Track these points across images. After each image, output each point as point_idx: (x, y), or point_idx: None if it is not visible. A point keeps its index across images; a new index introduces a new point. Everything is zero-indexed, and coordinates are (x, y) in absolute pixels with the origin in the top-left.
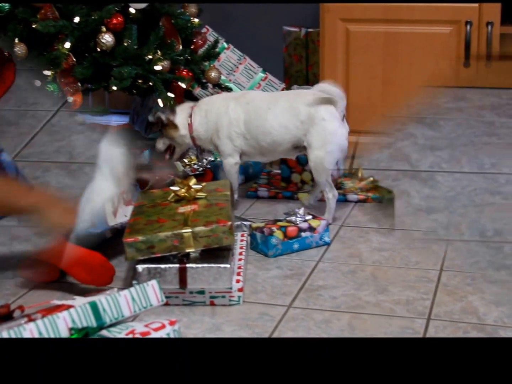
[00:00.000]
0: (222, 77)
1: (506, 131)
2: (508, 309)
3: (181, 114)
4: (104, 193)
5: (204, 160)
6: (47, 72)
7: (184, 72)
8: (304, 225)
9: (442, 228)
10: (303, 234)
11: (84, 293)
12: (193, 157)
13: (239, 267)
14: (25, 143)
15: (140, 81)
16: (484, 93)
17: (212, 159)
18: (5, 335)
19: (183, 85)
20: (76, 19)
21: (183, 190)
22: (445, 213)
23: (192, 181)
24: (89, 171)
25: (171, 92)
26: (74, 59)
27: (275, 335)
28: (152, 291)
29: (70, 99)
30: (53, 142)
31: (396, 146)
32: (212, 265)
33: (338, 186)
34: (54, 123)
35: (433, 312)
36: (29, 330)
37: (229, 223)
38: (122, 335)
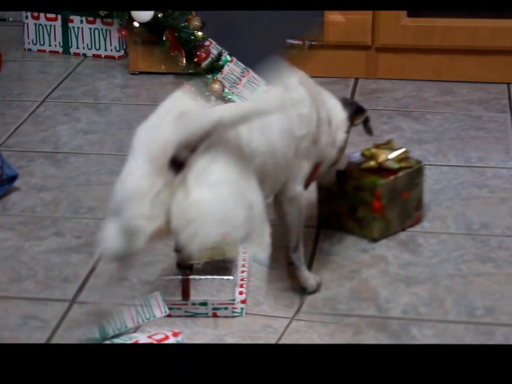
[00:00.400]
0: (225, 90)
1: (494, 125)
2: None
3: None
4: (134, 174)
5: None
6: None
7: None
8: None
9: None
10: None
11: None
12: None
13: (242, 279)
14: (10, 133)
15: None
16: (472, 87)
17: None
18: None
19: None
20: None
21: None
22: (431, 206)
23: None
24: (74, 161)
25: None
26: None
27: None
28: (155, 302)
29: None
30: (38, 132)
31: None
32: (215, 276)
33: None
34: (39, 113)
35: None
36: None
37: None
38: None
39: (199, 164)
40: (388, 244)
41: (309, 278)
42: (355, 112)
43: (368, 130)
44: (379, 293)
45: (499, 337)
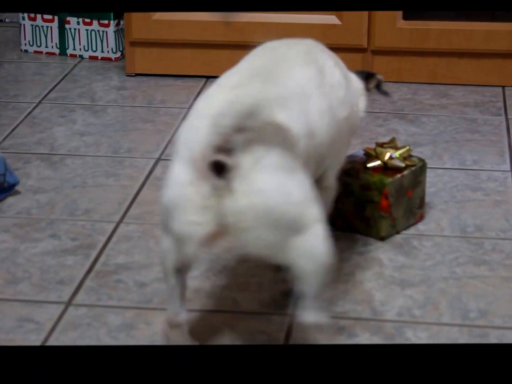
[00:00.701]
0: None
1: (489, 128)
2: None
3: None
4: (178, 180)
5: None
6: None
7: None
8: None
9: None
10: None
11: None
12: None
13: None
14: (6, 134)
15: None
16: (467, 90)
17: None
18: None
19: None
20: None
21: None
22: (426, 209)
23: None
24: (70, 163)
25: None
26: None
27: None
28: None
29: None
30: (34, 133)
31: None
32: None
33: None
34: (36, 115)
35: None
36: None
37: None
38: None
39: (244, 166)
40: (383, 247)
41: None
42: (367, 78)
43: (384, 92)
44: (374, 295)
45: (493, 340)
